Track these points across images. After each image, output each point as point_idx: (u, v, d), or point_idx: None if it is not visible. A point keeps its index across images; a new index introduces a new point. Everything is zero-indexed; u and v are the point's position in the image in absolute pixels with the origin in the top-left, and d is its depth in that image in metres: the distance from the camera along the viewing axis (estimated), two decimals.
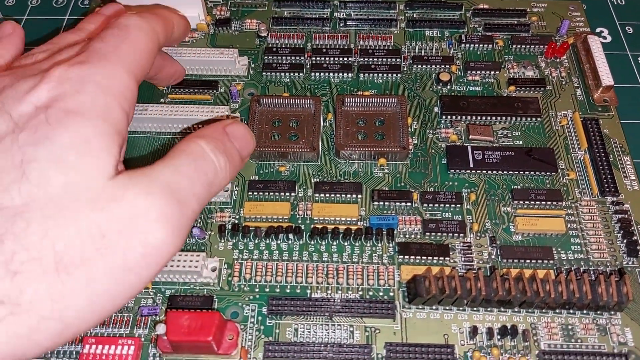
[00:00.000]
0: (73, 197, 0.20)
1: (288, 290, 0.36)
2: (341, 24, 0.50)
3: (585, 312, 0.34)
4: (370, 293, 0.36)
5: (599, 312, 0.34)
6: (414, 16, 0.50)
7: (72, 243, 0.20)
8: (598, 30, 0.51)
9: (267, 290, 0.36)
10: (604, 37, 0.50)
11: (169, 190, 0.22)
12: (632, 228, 0.38)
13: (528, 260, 0.36)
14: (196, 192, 0.24)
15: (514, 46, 0.47)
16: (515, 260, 0.36)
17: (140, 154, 0.43)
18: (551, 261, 0.36)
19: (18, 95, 0.22)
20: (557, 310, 0.34)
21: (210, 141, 0.26)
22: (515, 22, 0.49)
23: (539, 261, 0.36)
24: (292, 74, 0.46)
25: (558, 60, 0.47)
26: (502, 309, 0.35)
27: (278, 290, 0.36)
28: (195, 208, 0.24)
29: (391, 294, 0.36)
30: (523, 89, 0.45)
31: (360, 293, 0.36)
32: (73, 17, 0.53)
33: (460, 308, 0.35)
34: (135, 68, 0.27)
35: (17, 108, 0.22)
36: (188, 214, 0.23)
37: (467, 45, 0.48)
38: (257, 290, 0.36)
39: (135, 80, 0.27)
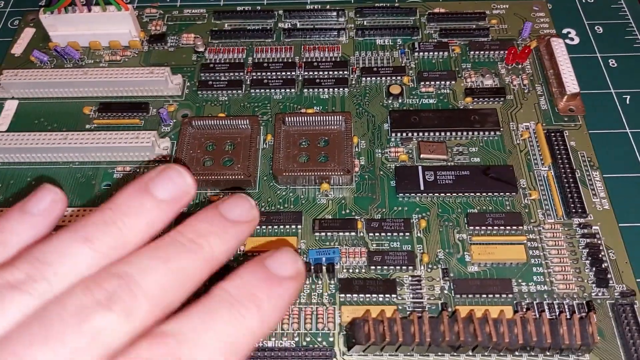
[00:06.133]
0: None
1: None
2: (285, 35, 0.46)
3: (548, 354, 0.30)
4: (308, 339, 0.32)
5: (564, 353, 0.30)
6: (364, 24, 0.46)
7: None
8: (565, 31, 0.47)
9: None
10: (571, 39, 0.46)
11: None
12: (602, 254, 0.33)
13: (484, 295, 0.32)
14: None
15: (472, 53, 0.43)
16: (470, 296, 0.32)
17: (61, 187, 0.38)
18: (510, 295, 0.32)
19: None
20: (517, 353, 0.30)
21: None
22: (474, 26, 0.45)
23: (497, 296, 0.32)
24: (230, 91, 0.43)
25: (520, 66, 0.43)
26: (455, 354, 0.31)
27: None
28: None
29: (331, 339, 0.32)
30: (481, 99, 0.41)
31: (296, 339, 0.32)
32: (2, 39, 0.49)
33: (408, 353, 0.31)
34: None
35: None
36: None
37: (421, 53, 0.44)
38: None
39: None
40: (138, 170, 0.39)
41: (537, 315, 0.31)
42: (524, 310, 0.32)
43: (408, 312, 0.32)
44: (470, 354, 0.30)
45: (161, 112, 0.41)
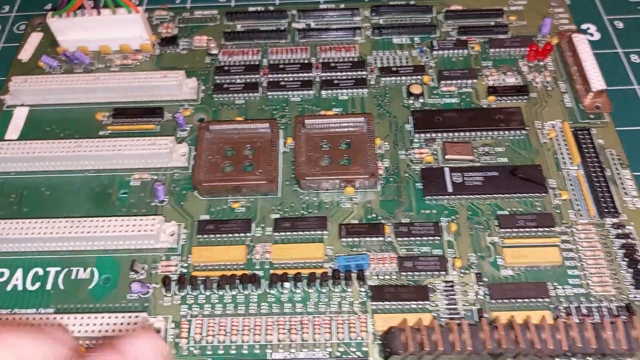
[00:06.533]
0: None
1: (245, 351, 0.31)
2: (300, 36, 0.45)
3: (589, 359, 0.29)
4: (341, 349, 0.31)
5: (606, 358, 0.29)
6: (380, 22, 0.45)
7: None
8: (584, 26, 0.46)
9: (221, 352, 0.31)
10: (591, 34, 0.45)
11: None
12: (638, 254, 0.33)
13: (520, 300, 0.32)
14: None
15: (492, 50, 0.43)
16: (506, 301, 0.32)
17: (76, 196, 0.37)
18: (547, 299, 0.31)
19: None
20: (558, 359, 0.30)
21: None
22: (493, 23, 0.45)
23: (533, 300, 0.32)
24: (246, 94, 0.42)
25: (542, 63, 0.42)
26: None
27: (233, 351, 0.31)
28: None
29: (364, 348, 0.31)
30: (504, 98, 0.40)
31: (329, 350, 0.31)
32: (8, 45, 0.48)
33: None
34: None
35: None
36: None
37: (440, 51, 0.43)
38: (209, 352, 0.31)
39: None
40: (156, 177, 0.38)
41: (578, 320, 0.30)
42: (563, 314, 0.31)
43: (444, 320, 0.31)
44: None
45: (177, 117, 0.39)
